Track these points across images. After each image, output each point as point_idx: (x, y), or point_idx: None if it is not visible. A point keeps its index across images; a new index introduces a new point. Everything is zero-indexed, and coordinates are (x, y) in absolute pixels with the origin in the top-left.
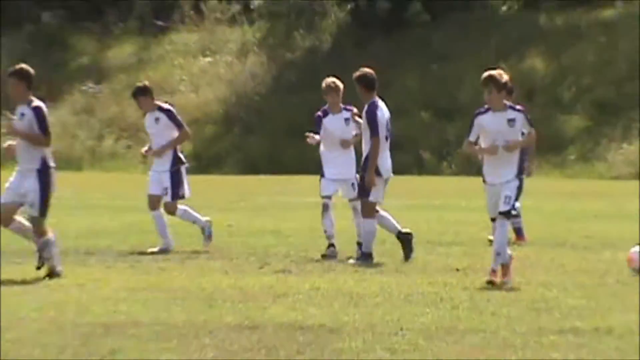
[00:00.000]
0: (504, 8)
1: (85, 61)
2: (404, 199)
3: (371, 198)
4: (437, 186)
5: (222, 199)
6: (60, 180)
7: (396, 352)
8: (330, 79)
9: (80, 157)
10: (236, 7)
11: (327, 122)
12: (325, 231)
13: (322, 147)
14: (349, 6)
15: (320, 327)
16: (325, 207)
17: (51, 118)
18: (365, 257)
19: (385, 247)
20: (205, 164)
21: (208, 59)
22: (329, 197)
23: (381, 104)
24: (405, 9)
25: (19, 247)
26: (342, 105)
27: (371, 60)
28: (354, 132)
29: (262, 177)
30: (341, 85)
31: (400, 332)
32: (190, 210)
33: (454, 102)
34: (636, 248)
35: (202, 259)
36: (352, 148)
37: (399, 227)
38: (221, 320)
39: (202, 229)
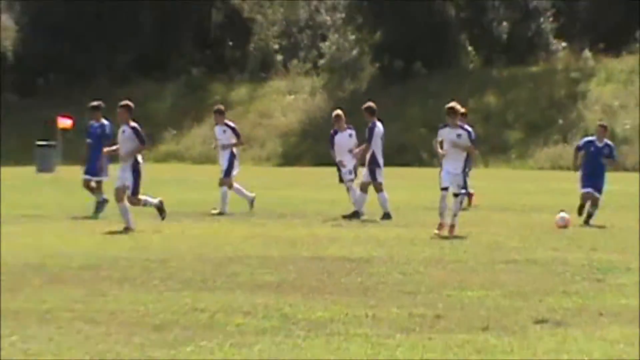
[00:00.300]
0: (471, 65)
1: (217, 98)
2: (411, 182)
3: (379, 180)
4: (431, 175)
5: (302, 180)
6: (202, 170)
7: (405, 274)
8: (336, 112)
9: (214, 156)
10: (308, 65)
11: (337, 138)
12: (353, 202)
13: (336, 155)
14: (377, 64)
15: (359, 259)
16: (349, 188)
17: (197, 132)
18: (387, 216)
19: (399, 211)
20: (290, 160)
21: (292, 97)
22: (351, 181)
23: (379, 123)
24: (412, 66)
25: (176, 210)
26: (346, 126)
27: (391, 98)
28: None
29: (326, 168)
30: (343, 115)
31: (408, 262)
32: (241, 188)
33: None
34: (561, 214)
35: (288, 218)
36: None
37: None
38: (299, 254)
39: (249, 202)
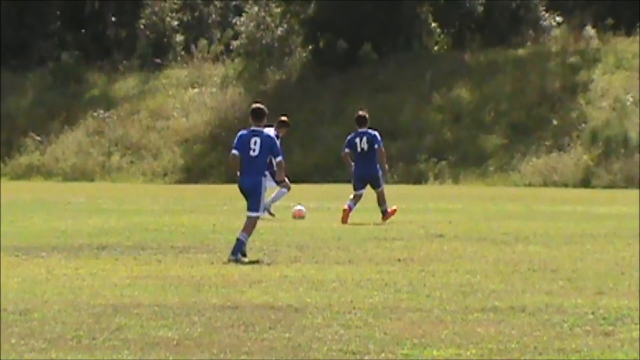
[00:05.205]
0: (436, 48)
1: (96, 92)
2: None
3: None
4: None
5: (208, 203)
6: (76, 188)
7: (350, 328)
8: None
9: (92, 170)
10: (219, 47)
11: None
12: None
13: None
14: (310, 47)
15: (288, 307)
16: None
17: (69, 138)
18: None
19: (340, 242)
20: (195, 175)
21: (196, 90)
22: None
23: None
24: (359, 49)
25: (40, 244)
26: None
27: (329, 91)
28: None
29: None
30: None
31: (353, 311)
32: None
33: (395, 124)
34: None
35: (192, 253)
36: None
37: None
38: (207, 302)
39: None
